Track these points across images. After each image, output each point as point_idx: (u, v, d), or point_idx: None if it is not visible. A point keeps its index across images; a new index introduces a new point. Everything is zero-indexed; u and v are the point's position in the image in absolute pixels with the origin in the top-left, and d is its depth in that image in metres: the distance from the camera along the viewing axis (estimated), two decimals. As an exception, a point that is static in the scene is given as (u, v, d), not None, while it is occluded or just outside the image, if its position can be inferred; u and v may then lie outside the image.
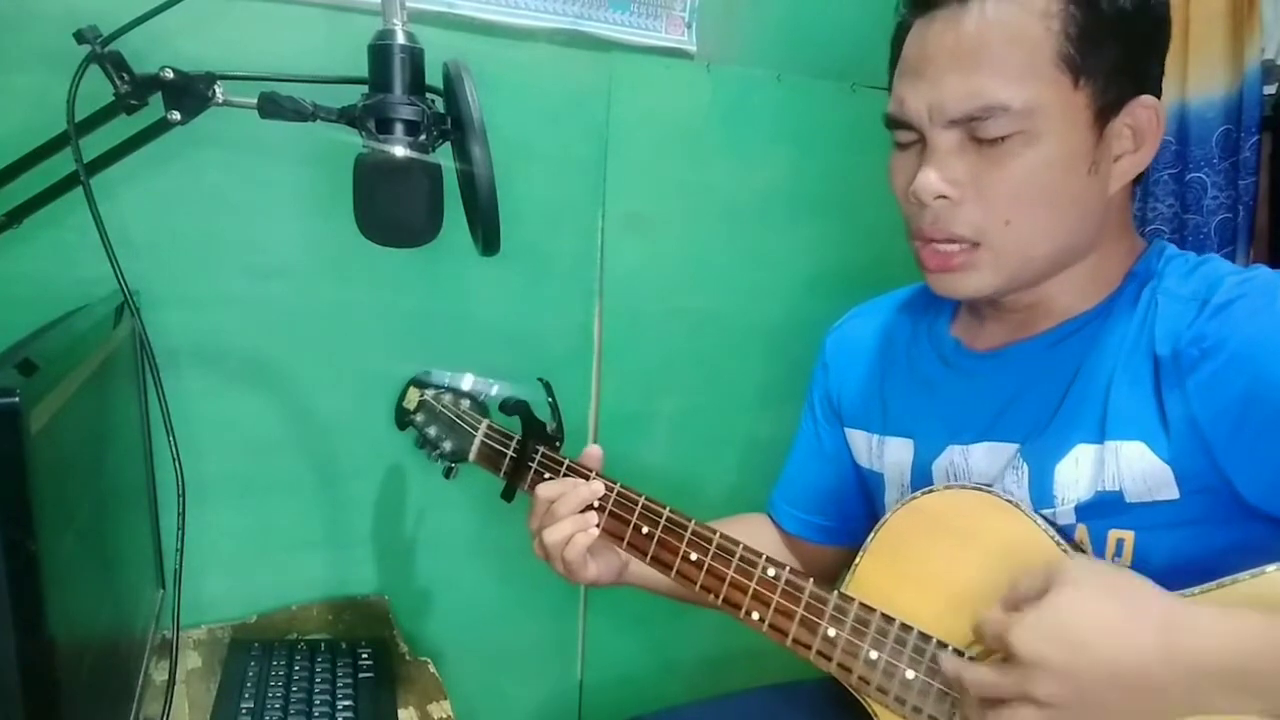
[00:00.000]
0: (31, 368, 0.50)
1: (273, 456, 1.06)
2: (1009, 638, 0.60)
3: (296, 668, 0.95)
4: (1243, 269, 0.70)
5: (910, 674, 0.70)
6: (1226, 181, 1.27)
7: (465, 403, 0.95)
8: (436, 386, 0.97)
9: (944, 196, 0.69)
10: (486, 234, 0.72)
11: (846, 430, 0.93)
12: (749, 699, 0.96)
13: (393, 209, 0.70)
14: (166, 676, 0.74)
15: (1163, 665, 0.56)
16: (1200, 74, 1.26)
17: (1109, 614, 0.58)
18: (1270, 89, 1.27)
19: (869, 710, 0.75)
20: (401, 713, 0.90)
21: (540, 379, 0.90)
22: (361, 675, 0.94)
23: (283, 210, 1.02)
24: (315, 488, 1.09)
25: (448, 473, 0.95)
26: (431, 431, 0.95)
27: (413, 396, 0.97)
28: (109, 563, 0.72)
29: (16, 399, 0.46)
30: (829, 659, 0.74)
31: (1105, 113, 0.68)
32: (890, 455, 0.86)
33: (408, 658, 1.02)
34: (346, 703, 0.89)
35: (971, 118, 0.67)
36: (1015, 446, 0.75)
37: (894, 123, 0.73)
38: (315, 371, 1.07)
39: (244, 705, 0.87)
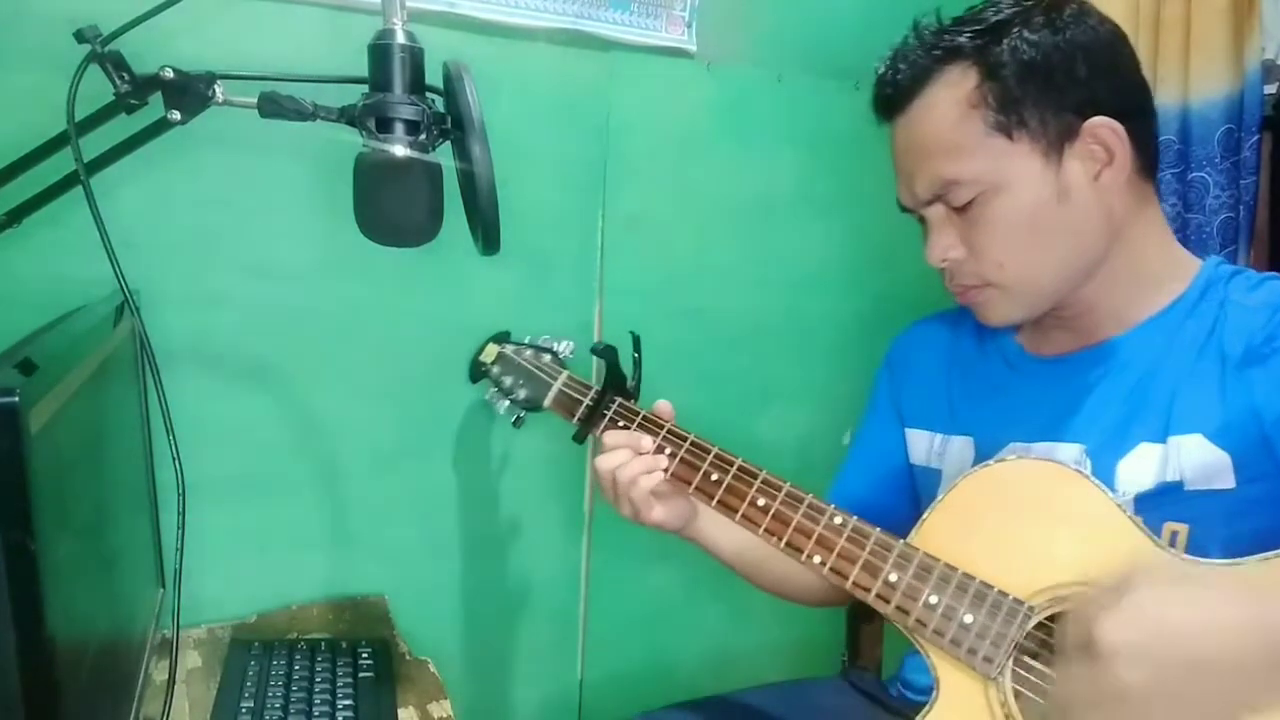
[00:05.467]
0: (31, 368, 0.50)
1: (273, 456, 1.06)
2: (1095, 631, 0.58)
3: (296, 667, 0.95)
4: None
5: (969, 618, 0.72)
6: (1229, 181, 1.27)
7: (546, 357, 1.00)
8: (516, 343, 1.03)
9: (947, 260, 0.80)
10: (486, 233, 0.72)
11: (906, 431, 0.95)
12: (750, 698, 0.96)
13: (393, 208, 0.69)
14: (166, 676, 0.73)
15: (1254, 637, 0.55)
16: (1202, 74, 1.26)
17: (1191, 599, 0.58)
18: (1270, 88, 1.27)
19: (923, 651, 0.75)
20: (401, 712, 0.90)
21: (632, 331, 0.94)
22: (361, 675, 0.94)
23: (283, 210, 1.02)
24: (315, 488, 1.09)
25: (517, 421, 1.00)
26: (507, 381, 1.00)
27: (490, 351, 1.03)
28: (109, 562, 0.72)
29: (16, 399, 0.46)
30: (888, 601, 0.75)
31: (1055, 146, 0.75)
32: (952, 453, 0.89)
33: (408, 658, 1.02)
34: (346, 702, 0.89)
35: (938, 195, 0.78)
36: (1079, 446, 0.78)
37: (903, 209, 0.85)
38: (315, 371, 1.07)
39: (244, 705, 0.87)
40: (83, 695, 0.58)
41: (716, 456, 0.84)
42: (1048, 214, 0.75)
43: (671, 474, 0.85)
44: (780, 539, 0.80)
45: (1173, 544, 0.72)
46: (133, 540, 0.84)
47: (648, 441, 0.86)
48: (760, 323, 1.33)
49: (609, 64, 1.17)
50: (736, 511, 0.82)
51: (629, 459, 0.85)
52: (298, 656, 0.97)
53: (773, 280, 1.33)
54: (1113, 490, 0.74)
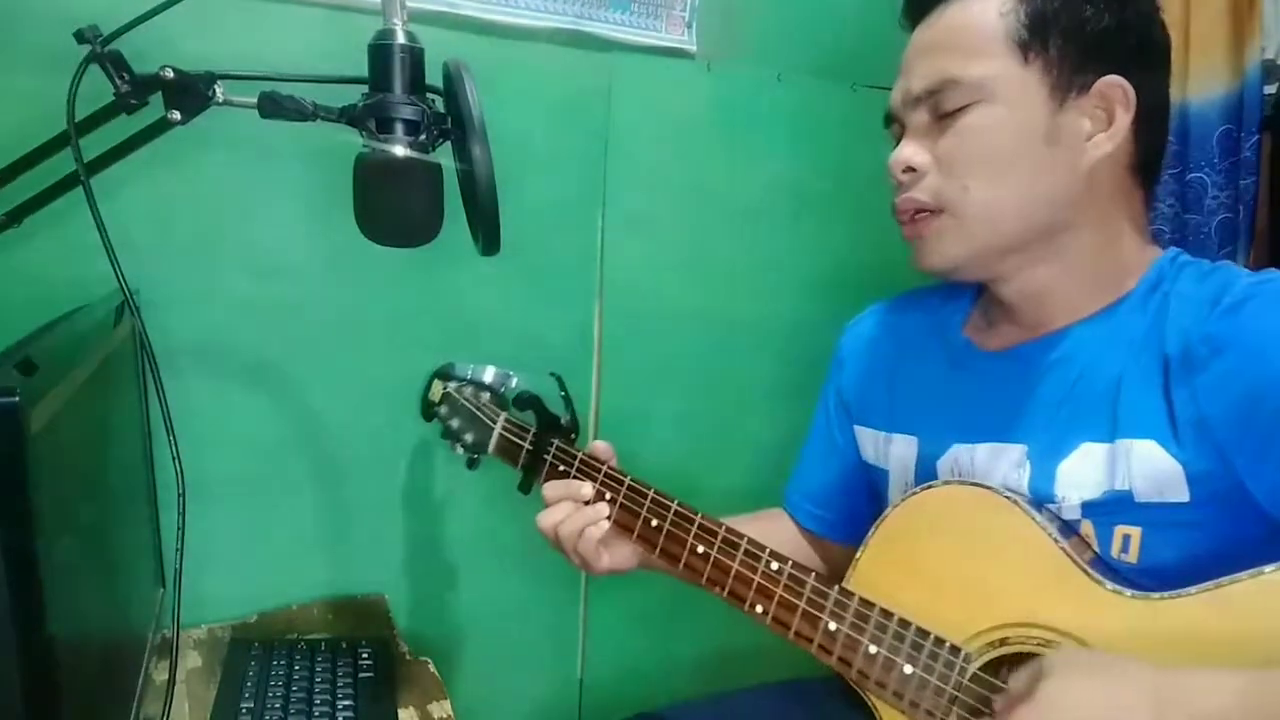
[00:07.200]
0: (31, 368, 0.50)
1: (273, 456, 1.06)
2: None
3: (296, 667, 0.95)
4: (1257, 273, 0.70)
5: (908, 669, 0.71)
6: (1227, 181, 1.27)
7: (485, 395, 0.96)
8: (459, 379, 0.98)
9: (911, 169, 0.76)
10: (487, 234, 0.71)
11: (855, 427, 0.93)
12: (750, 696, 0.96)
13: (393, 208, 0.69)
14: (167, 676, 0.73)
15: None
16: (1201, 73, 1.26)
17: (1099, 694, 0.58)
18: (1270, 89, 1.27)
19: (871, 706, 0.75)
20: (401, 712, 0.90)
21: (552, 373, 0.90)
22: (361, 675, 0.94)
23: (283, 210, 1.02)
24: (315, 488, 1.09)
25: (470, 464, 0.96)
26: (455, 424, 0.96)
27: (437, 389, 0.98)
28: (109, 562, 0.72)
29: (16, 399, 0.46)
30: (830, 653, 0.74)
31: (1062, 88, 0.72)
32: (896, 452, 0.87)
33: (408, 657, 1.02)
34: (346, 702, 0.89)
35: (931, 93, 0.74)
36: (1021, 447, 0.76)
37: (887, 120, 0.81)
38: (315, 371, 1.07)
39: (244, 705, 0.87)
40: (83, 695, 0.58)
41: (653, 500, 0.83)
42: (1030, 148, 0.72)
43: (614, 521, 0.84)
44: (723, 589, 0.79)
45: (1125, 548, 0.70)
46: (133, 540, 0.84)
47: (588, 489, 0.84)
48: (759, 322, 1.33)
49: (609, 64, 1.17)
50: (679, 561, 0.81)
51: (570, 512, 0.83)
52: (298, 656, 0.97)
53: (772, 280, 1.33)
54: (1052, 495, 0.72)
